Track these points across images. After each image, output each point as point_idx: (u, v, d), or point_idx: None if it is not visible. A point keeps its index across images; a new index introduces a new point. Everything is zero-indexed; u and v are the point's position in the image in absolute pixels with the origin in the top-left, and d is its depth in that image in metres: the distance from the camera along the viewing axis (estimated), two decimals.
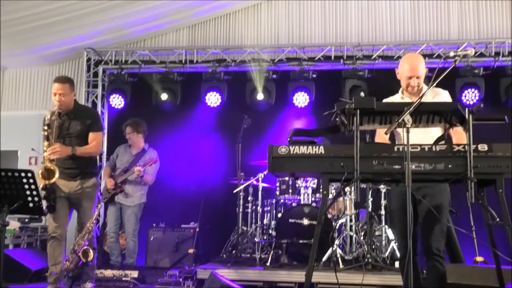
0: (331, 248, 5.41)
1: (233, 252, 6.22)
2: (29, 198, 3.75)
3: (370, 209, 5.87)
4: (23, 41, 7.12)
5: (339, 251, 5.56)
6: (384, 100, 3.58)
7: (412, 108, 2.67)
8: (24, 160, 7.83)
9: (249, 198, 6.53)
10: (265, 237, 6.27)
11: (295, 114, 7.39)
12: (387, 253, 5.65)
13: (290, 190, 6.20)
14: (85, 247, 4.17)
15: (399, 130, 2.83)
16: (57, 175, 4.23)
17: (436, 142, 2.96)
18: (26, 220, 6.81)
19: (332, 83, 7.20)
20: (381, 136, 3.27)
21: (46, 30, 6.90)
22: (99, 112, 7.12)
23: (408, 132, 2.64)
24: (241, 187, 6.29)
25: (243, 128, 6.37)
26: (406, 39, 7.31)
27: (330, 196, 5.64)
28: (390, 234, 5.70)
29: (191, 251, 6.40)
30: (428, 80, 3.37)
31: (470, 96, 6.74)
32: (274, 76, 7.25)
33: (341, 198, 5.86)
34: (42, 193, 4.21)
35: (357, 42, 7.27)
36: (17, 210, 3.82)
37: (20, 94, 8.22)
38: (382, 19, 7.45)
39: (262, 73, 7.13)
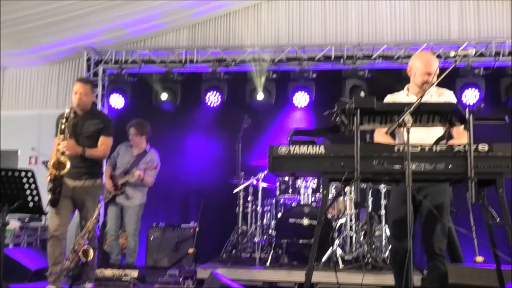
0: (331, 248, 5.41)
1: (233, 251, 6.22)
2: (29, 198, 3.75)
3: (370, 209, 5.88)
4: (23, 41, 7.12)
5: (339, 251, 5.56)
6: (389, 96, 3.58)
7: (412, 108, 2.67)
8: (24, 159, 7.84)
9: (249, 198, 6.53)
10: (265, 237, 6.27)
11: (295, 114, 7.39)
12: (387, 253, 5.66)
13: (290, 190, 6.20)
14: (86, 247, 4.17)
15: (400, 129, 2.83)
16: (68, 165, 4.27)
17: (437, 142, 2.95)
18: (26, 219, 6.81)
19: (332, 83, 7.20)
20: (380, 135, 3.27)
21: (46, 30, 6.90)
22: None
23: (408, 132, 2.63)
24: (241, 186, 6.28)
25: (243, 128, 6.37)
26: (406, 39, 7.31)
27: (330, 196, 5.64)
28: None
29: (191, 250, 6.40)
30: None
31: (471, 96, 6.73)
32: (274, 76, 7.25)
33: (341, 198, 5.86)
34: (49, 185, 4.29)
35: (357, 42, 7.27)
36: (17, 210, 3.83)
37: (20, 94, 8.22)
38: (382, 19, 7.44)
39: (262, 73, 7.13)
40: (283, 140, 3.03)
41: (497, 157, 2.68)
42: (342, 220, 5.84)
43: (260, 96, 7.16)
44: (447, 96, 3.49)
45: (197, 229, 6.70)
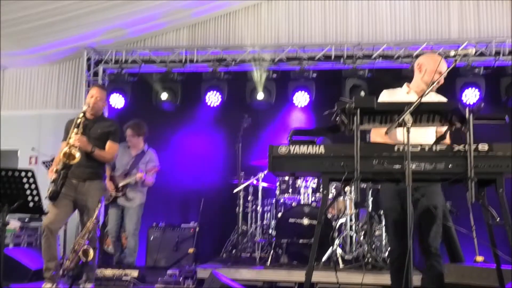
0: (331, 248, 5.41)
1: (233, 251, 6.22)
2: (29, 198, 3.75)
3: (370, 209, 5.87)
4: (23, 41, 7.12)
5: (339, 250, 5.56)
6: (386, 91, 3.55)
7: (412, 107, 2.66)
8: (24, 159, 7.85)
9: (249, 198, 6.53)
10: (265, 237, 6.27)
11: (295, 113, 7.39)
12: (387, 253, 5.65)
13: (290, 190, 6.20)
14: (86, 247, 4.18)
15: (396, 129, 2.82)
16: (77, 156, 4.36)
17: (437, 141, 2.95)
18: (26, 219, 6.82)
19: (332, 82, 7.20)
20: (377, 134, 3.26)
21: (46, 30, 6.90)
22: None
23: (408, 131, 2.63)
24: (241, 186, 6.28)
25: (243, 127, 6.36)
26: (406, 38, 7.31)
27: (330, 195, 5.64)
28: None
29: (191, 250, 6.40)
30: None
31: (471, 95, 6.73)
32: (274, 75, 7.25)
33: (341, 198, 5.86)
34: (53, 176, 4.39)
35: (357, 42, 7.27)
36: (17, 210, 3.83)
37: (20, 94, 8.23)
38: (382, 19, 7.44)
39: (262, 73, 7.13)
40: (283, 139, 3.02)
41: (497, 157, 2.68)
42: (342, 220, 5.84)
43: (260, 95, 7.16)
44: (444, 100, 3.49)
45: (197, 229, 6.70)
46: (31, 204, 3.78)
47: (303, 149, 2.81)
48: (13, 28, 6.56)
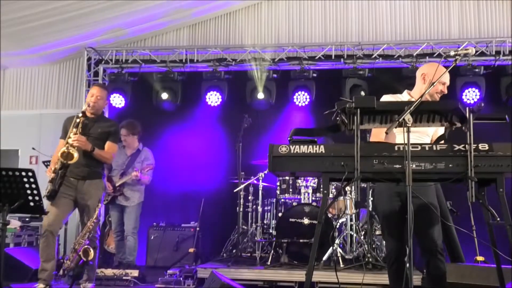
0: (331, 248, 5.41)
1: (234, 251, 6.22)
2: (30, 197, 3.75)
3: (370, 209, 5.87)
4: (23, 41, 7.12)
5: (339, 250, 5.56)
6: (386, 96, 3.52)
7: (413, 107, 2.66)
8: (25, 159, 7.85)
9: (250, 198, 6.53)
10: (265, 237, 6.27)
11: (295, 113, 7.38)
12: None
13: (291, 190, 6.20)
14: (86, 246, 4.18)
15: (396, 130, 2.82)
16: (76, 156, 4.35)
17: (437, 141, 2.95)
18: (27, 219, 6.82)
19: (333, 82, 7.20)
20: (377, 135, 3.25)
21: (47, 30, 6.90)
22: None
23: (408, 131, 2.63)
24: (242, 186, 6.29)
25: (244, 127, 6.37)
26: (406, 38, 7.31)
27: (331, 195, 5.64)
28: None
29: (191, 250, 6.40)
30: None
31: (471, 95, 6.74)
32: (275, 75, 7.26)
33: (341, 198, 5.85)
34: (51, 176, 4.39)
35: (357, 41, 7.27)
36: (18, 209, 3.83)
37: (21, 94, 8.23)
38: (382, 18, 7.45)
39: (263, 72, 7.13)
40: (284, 139, 3.02)
41: (497, 157, 2.68)
42: (342, 220, 5.84)
43: (260, 95, 7.16)
44: None
45: (198, 229, 6.70)
46: (31, 204, 3.78)
47: (304, 148, 2.81)
48: (13, 28, 6.57)
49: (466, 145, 2.68)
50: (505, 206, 2.67)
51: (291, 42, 7.50)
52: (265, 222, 6.45)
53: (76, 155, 4.37)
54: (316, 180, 6.06)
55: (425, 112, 2.80)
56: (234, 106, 7.37)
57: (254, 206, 6.55)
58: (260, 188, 6.40)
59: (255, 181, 6.33)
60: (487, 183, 2.80)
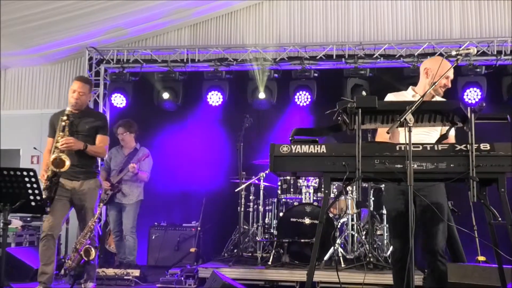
0: (332, 248, 5.41)
1: (235, 251, 6.22)
2: (31, 197, 3.75)
3: (371, 208, 5.87)
4: (24, 41, 7.13)
5: (340, 250, 5.56)
6: (390, 95, 3.53)
7: (414, 107, 2.66)
8: (26, 158, 7.87)
9: (251, 197, 6.53)
10: (266, 236, 6.27)
11: (296, 113, 7.38)
12: (388, 253, 5.65)
13: (292, 189, 6.20)
14: (87, 246, 4.18)
15: (399, 129, 2.82)
16: (67, 163, 4.27)
17: (438, 141, 2.94)
18: (28, 218, 6.83)
19: (334, 82, 7.20)
20: (383, 135, 3.26)
21: (47, 30, 6.90)
22: (101, 111, 7.14)
23: (410, 131, 2.62)
24: (243, 186, 6.28)
25: (245, 127, 6.37)
26: (408, 38, 7.31)
27: (332, 195, 5.63)
28: None
29: (192, 250, 6.41)
30: None
31: (472, 95, 6.73)
32: (276, 75, 7.26)
33: (342, 197, 5.85)
34: (45, 183, 4.26)
35: (358, 41, 7.27)
36: (19, 209, 3.83)
37: (22, 93, 8.25)
38: (384, 18, 7.44)
39: (264, 72, 7.13)
40: (285, 139, 3.02)
41: (499, 157, 2.67)
42: (343, 219, 5.83)
43: (261, 95, 7.16)
44: None
45: (199, 228, 6.71)
46: (33, 204, 3.78)
47: (305, 148, 2.80)
48: (14, 28, 6.57)
49: (468, 145, 2.68)
50: (506, 206, 2.66)
51: (292, 42, 7.49)
52: (266, 222, 6.44)
53: (68, 163, 4.26)
54: (317, 180, 6.06)
55: (426, 112, 2.80)
56: (235, 106, 7.38)
57: (255, 206, 6.55)
58: (261, 188, 6.40)
59: (256, 181, 6.33)
60: (488, 183, 2.79)
